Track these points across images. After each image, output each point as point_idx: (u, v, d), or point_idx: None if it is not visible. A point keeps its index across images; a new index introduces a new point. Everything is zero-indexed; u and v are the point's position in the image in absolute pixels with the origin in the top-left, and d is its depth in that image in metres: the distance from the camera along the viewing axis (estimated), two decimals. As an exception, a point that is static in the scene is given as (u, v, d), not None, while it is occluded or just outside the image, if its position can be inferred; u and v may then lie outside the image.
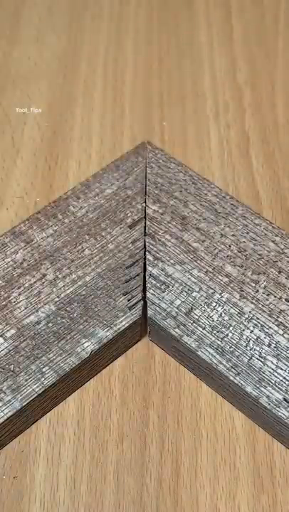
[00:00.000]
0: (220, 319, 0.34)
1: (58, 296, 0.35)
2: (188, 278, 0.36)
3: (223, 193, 0.40)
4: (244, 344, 0.34)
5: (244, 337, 0.34)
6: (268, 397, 0.32)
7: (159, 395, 0.35)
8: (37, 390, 0.32)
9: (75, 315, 0.35)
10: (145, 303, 0.36)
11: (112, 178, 0.41)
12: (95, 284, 0.36)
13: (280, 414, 0.32)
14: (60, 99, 0.50)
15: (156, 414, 0.35)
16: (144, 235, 0.38)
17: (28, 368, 0.33)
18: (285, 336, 0.34)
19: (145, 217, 0.39)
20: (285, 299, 0.35)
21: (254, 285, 0.36)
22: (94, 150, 0.47)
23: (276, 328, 0.34)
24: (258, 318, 0.34)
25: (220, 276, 0.36)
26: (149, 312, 0.35)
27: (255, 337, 0.34)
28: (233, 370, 0.33)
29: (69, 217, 0.39)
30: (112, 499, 0.32)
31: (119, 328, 0.34)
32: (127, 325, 0.34)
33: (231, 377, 0.33)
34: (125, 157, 0.42)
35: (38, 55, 0.53)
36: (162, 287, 0.36)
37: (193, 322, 0.34)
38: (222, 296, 0.35)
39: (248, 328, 0.34)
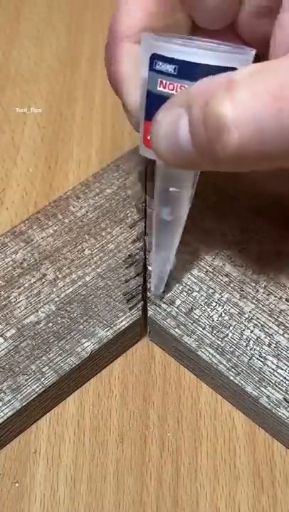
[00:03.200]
0: (220, 319, 0.34)
1: (58, 296, 0.35)
2: (188, 278, 0.36)
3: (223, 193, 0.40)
4: (244, 344, 0.34)
5: (244, 337, 0.34)
6: (268, 397, 0.32)
7: (159, 394, 0.35)
8: (37, 390, 0.32)
9: (75, 315, 0.35)
10: (145, 303, 0.36)
11: (112, 178, 0.41)
12: (95, 284, 0.36)
13: (280, 414, 0.32)
14: (60, 99, 0.50)
15: (156, 414, 0.35)
16: (144, 235, 0.38)
17: (28, 368, 0.33)
18: (285, 335, 0.34)
19: (145, 217, 0.39)
20: (285, 299, 0.35)
21: (254, 285, 0.36)
22: (94, 150, 0.46)
23: (276, 328, 0.34)
24: (258, 318, 0.34)
25: (220, 276, 0.36)
26: (149, 312, 0.35)
27: (256, 337, 0.34)
28: (233, 370, 0.33)
29: (69, 217, 0.39)
30: (112, 499, 0.32)
31: (119, 328, 0.34)
32: (127, 325, 0.34)
33: (231, 377, 0.33)
34: (125, 157, 0.42)
35: (38, 55, 0.53)
36: (162, 287, 0.36)
37: (193, 322, 0.34)
38: (222, 296, 0.35)
39: (248, 328, 0.34)
